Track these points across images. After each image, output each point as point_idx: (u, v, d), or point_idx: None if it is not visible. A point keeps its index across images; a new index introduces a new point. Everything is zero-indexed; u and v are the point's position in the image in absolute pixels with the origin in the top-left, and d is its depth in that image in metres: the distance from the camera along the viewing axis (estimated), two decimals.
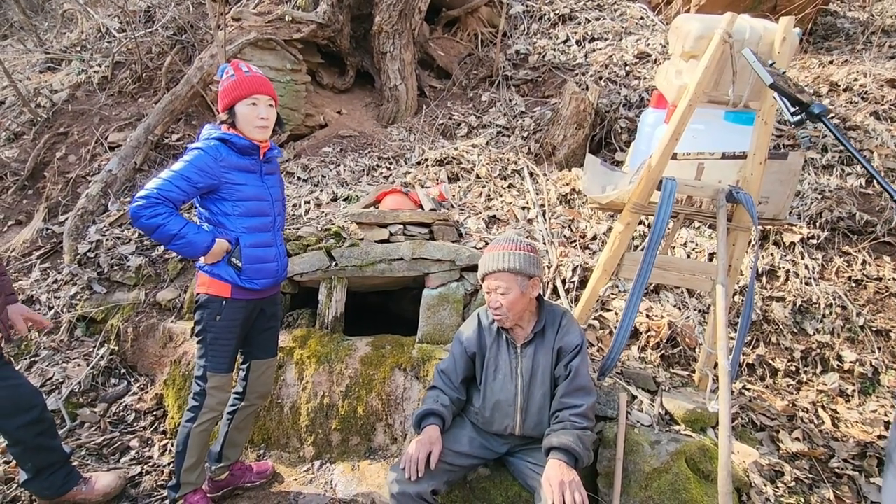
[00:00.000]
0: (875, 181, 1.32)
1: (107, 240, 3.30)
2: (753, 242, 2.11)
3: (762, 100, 1.95)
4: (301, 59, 4.62)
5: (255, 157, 1.95)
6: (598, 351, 2.51)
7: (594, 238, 3.22)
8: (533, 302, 1.86)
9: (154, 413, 2.69)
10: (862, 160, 1.36)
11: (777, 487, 2.02)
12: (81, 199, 3.52)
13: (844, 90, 3.94)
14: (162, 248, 3.20)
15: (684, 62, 2.07)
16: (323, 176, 3.97)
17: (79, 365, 2.78)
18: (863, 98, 3.82)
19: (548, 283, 2.85)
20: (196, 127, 4.31)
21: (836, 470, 2.17)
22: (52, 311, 2.99)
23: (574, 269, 2.89)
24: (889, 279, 2.87)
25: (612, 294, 2.88)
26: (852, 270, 2.94)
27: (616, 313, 2.74)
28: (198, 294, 1.94)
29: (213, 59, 4.13)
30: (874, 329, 2.71)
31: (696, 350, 2.58)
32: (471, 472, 1.96)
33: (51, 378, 2.69)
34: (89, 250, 3.25)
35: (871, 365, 2.58)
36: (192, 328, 1.99)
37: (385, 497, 1.99)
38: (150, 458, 2.44)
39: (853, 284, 2.90)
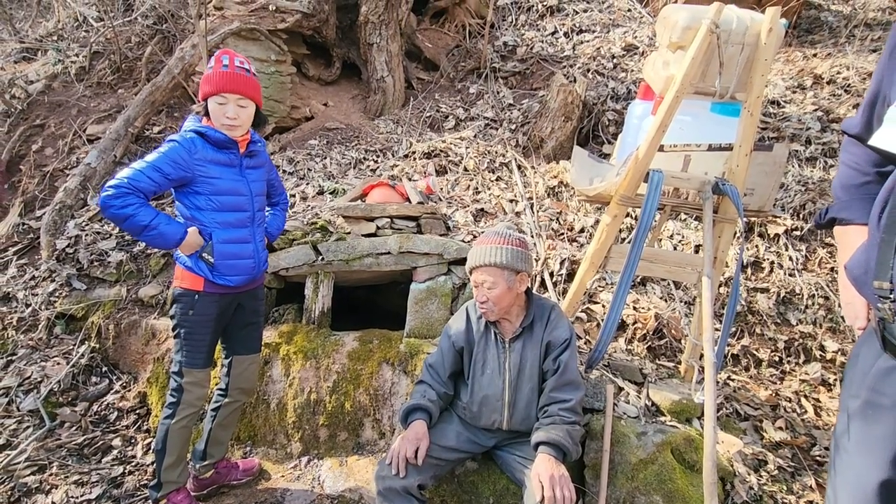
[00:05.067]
0: None
1: (86, 235, 3.22)
2: (739, 234, 2.12)
3: (748, 91, 1.95)
4: (286, 50, 4.53)
5: (233, 151, 1.91)
6: (585, 343, 2.51)
7: (582, 231, 3.22)
8: (521, 296, 1.84)
9: (137, 411, 2.64)
10: None
11: (760, 476, 2.05)
12: (59, 194, 3.42)
13: (828, 83, 3.98)
14: (144, 243, 3.13)
15: (671, 53, 2.06)
16: (309, 169, 3.91)
17: (58, 363, 2.72)
18: (846, 91, 3.86)
19: (535, 276, 2.84)
20: (178, 119, 4.22)
21: (818, 458, 2.20)
22: (30, 309, 2.92)
23: (562, 262, 2.89)
24: None
25: (600, 286, 2.89)
26: (834, 261, 2.98)
27: (603, 306, 2.74)
28: (174, 288, 1.91)
29: (195, 49, 4.04)
30: None
31: (683, 341, 2.60)
32: (459, 466, 1.95)
33: (29, 377, 2.63)
34: (68, 246, 3.17)
35: None
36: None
37: (373, 492, 1.98)
38: (133, 457, 2.40)
39: (835, 275, 2.94)
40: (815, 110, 3.72)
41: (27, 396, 2.54)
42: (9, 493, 2.10)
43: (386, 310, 3.49)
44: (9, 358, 2.73)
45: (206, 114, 1.88)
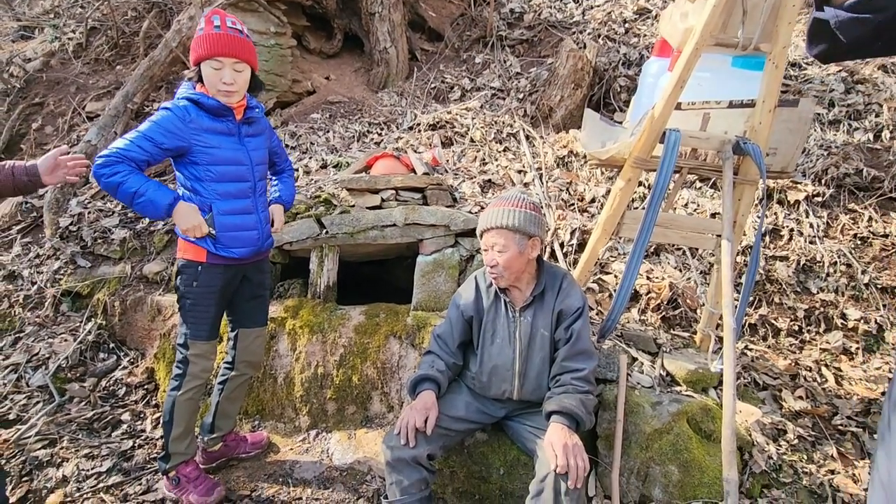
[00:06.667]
0: None
1: (89, 212, 3.19)
2: (759, 198, 2.02)
3: (774, 41, 1.82)
4: (285, 22, 4.40)
5: (229, 118, 1.83)
6: (597, 314, 2.45)
7: (593, 201, 3.12)
8: (532, 263, 1.77)
9: (145, 387, 2.64)
10: None
11: (780, 445, 1.99)
12: None
13: None
14: (147, 220, 3.10)
15: (690, 3, 1.93)
16: (312, 143, 3.83)
17: (65, 340, 2.71)
18: None
19: (546, 247, 2.76)
20: None
21: (840, 427, 2.14)
22: (36, 287, 2.91)
23: (572, 233, 2.80)
24: None
25: (612, 257, 2.80)
26: (858, 228, 2.86)
27: (615, 276, 2.66)
28: (178, 259, 1.87)
29: (192, 22, 3.93)
30: (879, 286, 2.65)
31: (698, 311, 2.52)
32: (468, 437, 1.92)
33: (37, 354, 2.63)
34: (71, 223, 3.14)
35: (875, 322, 2.53)
36: None
37: (382, 464, 1.95)
38: (143, 431, 2.40)
39: (858, 242, 2.82)
40: (839, 71, 3.54)
41: (36, 372, 2.54)
42: (21, 466, 2.11)
43: (392, 286, 3.43)
44: (17, 335, 2.73)
45: (200, 80, 1.80)
